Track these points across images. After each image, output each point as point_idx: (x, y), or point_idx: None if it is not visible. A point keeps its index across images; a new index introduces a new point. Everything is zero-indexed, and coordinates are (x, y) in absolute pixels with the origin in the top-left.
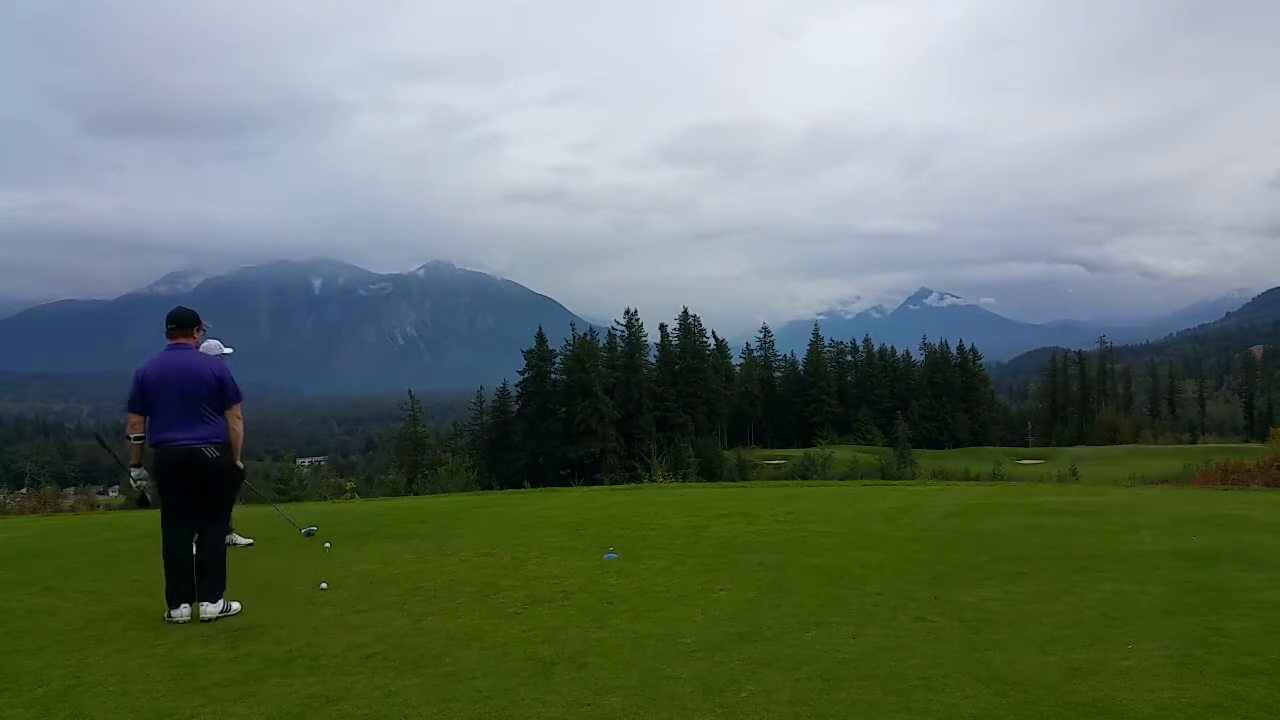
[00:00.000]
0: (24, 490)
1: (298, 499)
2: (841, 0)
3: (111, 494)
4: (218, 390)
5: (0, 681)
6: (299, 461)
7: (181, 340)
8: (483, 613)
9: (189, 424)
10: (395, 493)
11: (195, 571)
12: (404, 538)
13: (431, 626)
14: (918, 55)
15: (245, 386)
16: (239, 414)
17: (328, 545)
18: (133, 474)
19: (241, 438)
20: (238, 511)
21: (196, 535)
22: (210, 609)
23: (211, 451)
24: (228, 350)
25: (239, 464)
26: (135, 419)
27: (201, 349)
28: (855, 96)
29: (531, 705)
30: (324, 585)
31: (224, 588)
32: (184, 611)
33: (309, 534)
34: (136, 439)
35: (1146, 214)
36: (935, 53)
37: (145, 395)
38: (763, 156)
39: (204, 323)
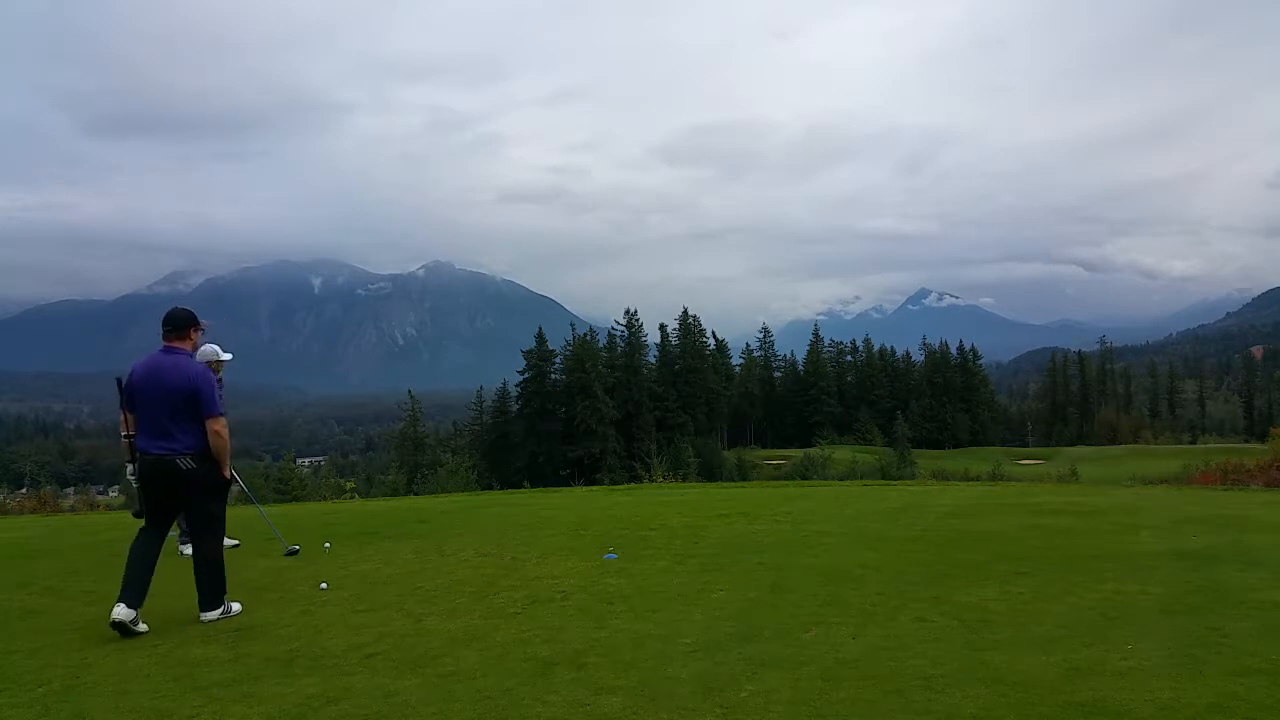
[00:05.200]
0: (24, 490)
1: (297, 499)
2: (840, 1)
3: (112, 494)
4: (191, 402)
5: (0, 681)
6: (299, 461)
7: (175, 343)
8: (483, 613)
9: (163, 433)
10: (395, 493)
11: (195, 580)
12: (404, 538)
13: (431, 626)
14: (916, 55)
15: (246, 387)
16: (218, 428)
17: (327, 545)
18: (129, 469)
19: (227, 449)
20: (227, 514)
21: (190, 547)
22: (210, 615)
23: (186, 463)
24: (226, 356)
25: (228, 474)
26: (126, 417)
27: (198, 354)
28: (854, 97)
29: (531, 705)
30: (324, 585)
31: (223, 594)
32: (121, 611)
33: (292, 553)
34: (126, 438)
35: (1145, 214)
36: (934, 53)
37: (131, 395)
38: (762, 157)
39: (202, 322)
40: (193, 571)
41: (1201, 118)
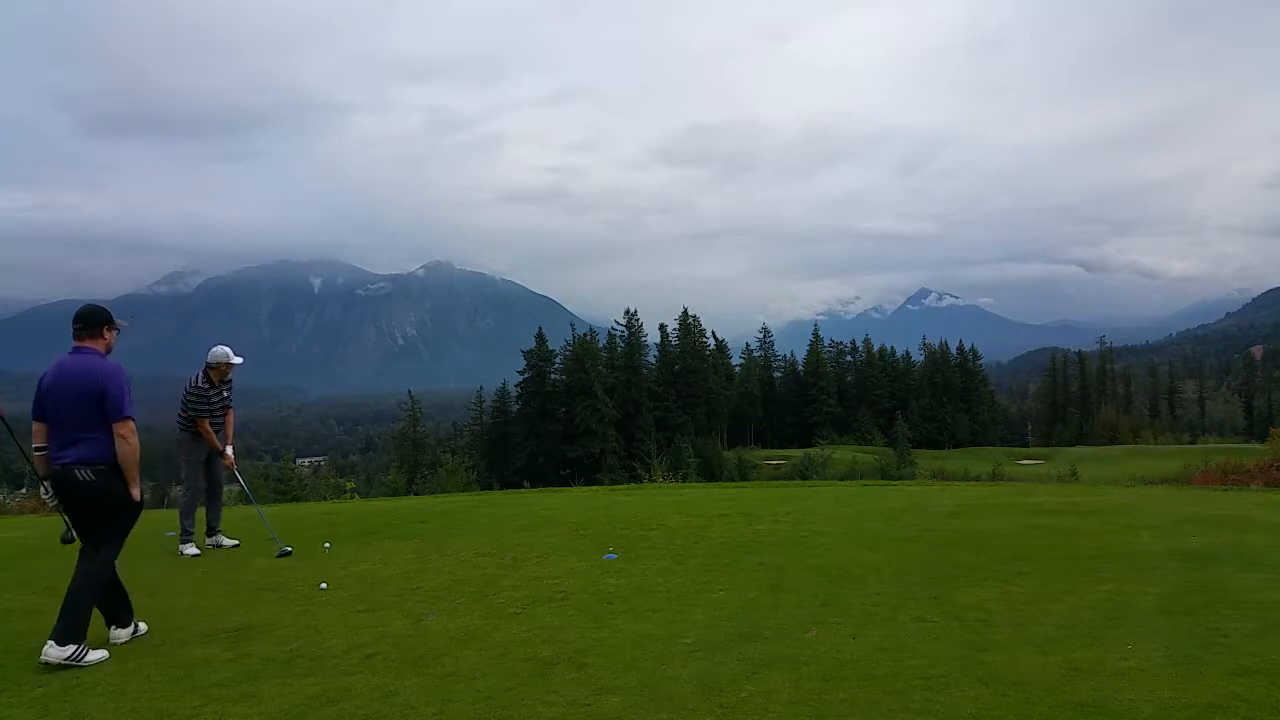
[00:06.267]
0: (24, 490)
1: (297, 499)
2: (838, 2)
3: None
4: (100, 405)
5: (0, 682)
6: (299, 461)
7: (86, 343)
8: (483, 613)
9: (68, 440)
10: (395, 493)
11: (63, 602)
12: (404, 538)
13: (431, 626)
14: (915, 57)
15: (246, 387)
16: (125, 434)
17: (327, 545)
18: (42, 487)
19: (135, 459)
20: (225, 513)
21: (191, 547)
22: (54, 652)
23: (85, 474)
24: (237, 360)
25: (136, 494)
26: (37, 427)
27: (210, 355)
28: (853, 97)
29: (531, 705)
30: (324, 585)
31: (79, 630)
32: (117, 634)
33: (285, 555)
34: (37, 450)
35: (1144, 215)
36: (932, 54)
37: (41, 402)
38: (760, 157)
39: (118, 321)
40: (88, 584)
41: (1200, 118)
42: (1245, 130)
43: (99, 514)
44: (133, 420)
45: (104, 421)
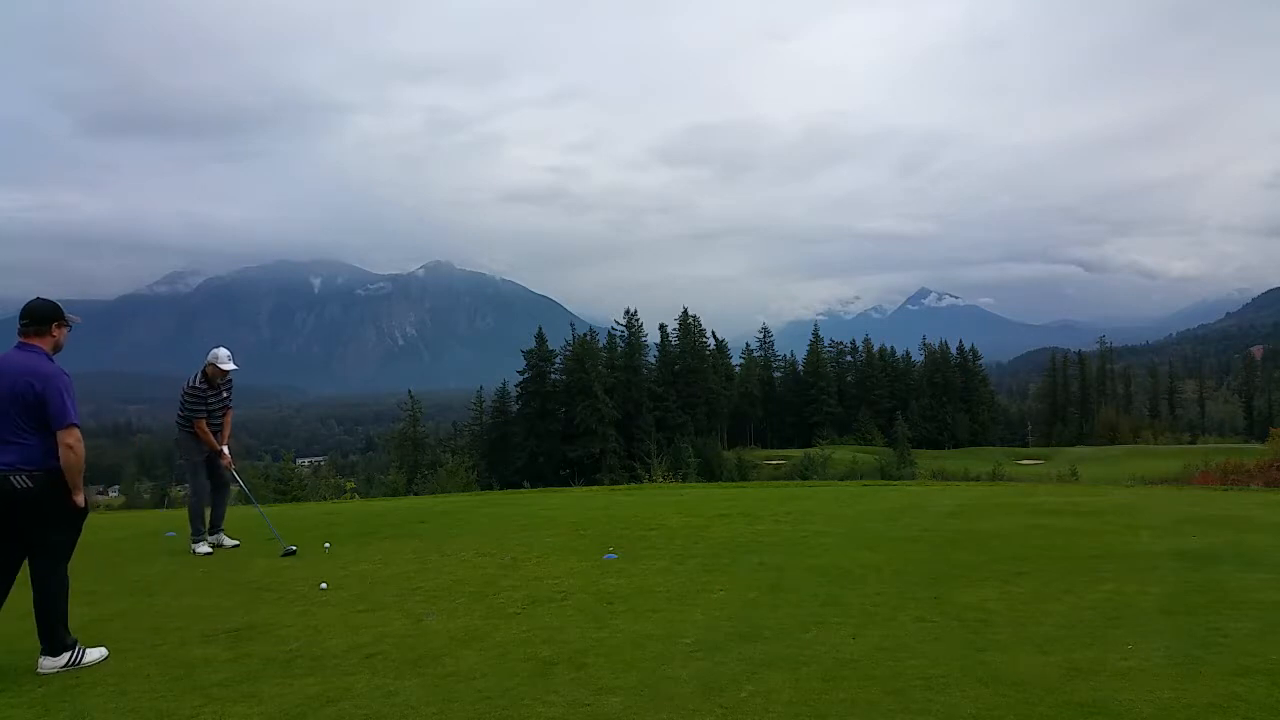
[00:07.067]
0: None
1: (297, 499)
2: (838, 2)
3: (112, 494)
4: (37, 408)
5: (0, 682)
6: (299, 461)
7: (33, 340)
8: (483, 613)
9: (1, 443)
10: (395, 493)
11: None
12: (404, 538)
13: (431, 626)
14: (914, 57)
15: (246, 387)
16: (71, 441)
17: (327, 545)
18: None
19: (78, 469)
20: (226, 513)
21: (203, 545)
22: (49, 663)
23: (20, 480)
24: (230, 367)
25: (80, 500)
26: None
27: (209, 358)
28: (853, 97)
29: (531, 705)
30: (324, 585)
31: (65, 637)
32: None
33: (289, 554)
34: None
35: (1144, 214)
36: (932, 54)
37: None
38: (760, 157)
39: (69, 318)
40: (33, 604)
41: (1200, 118)
42: (1245, 130)
43: (38, 523)
44: (78, 427)
45: (39, 425)
